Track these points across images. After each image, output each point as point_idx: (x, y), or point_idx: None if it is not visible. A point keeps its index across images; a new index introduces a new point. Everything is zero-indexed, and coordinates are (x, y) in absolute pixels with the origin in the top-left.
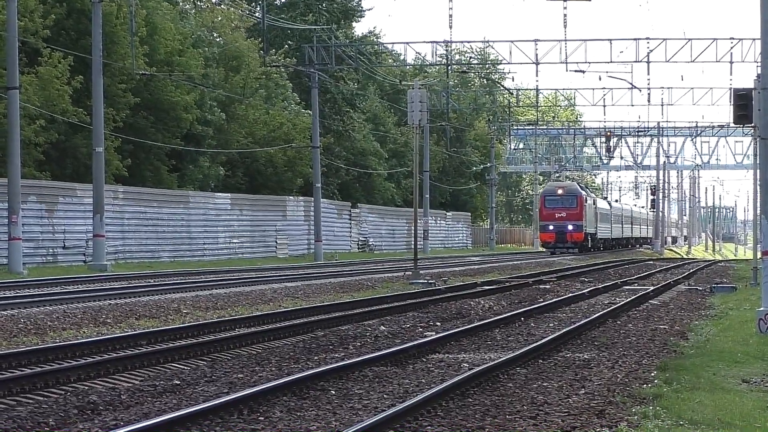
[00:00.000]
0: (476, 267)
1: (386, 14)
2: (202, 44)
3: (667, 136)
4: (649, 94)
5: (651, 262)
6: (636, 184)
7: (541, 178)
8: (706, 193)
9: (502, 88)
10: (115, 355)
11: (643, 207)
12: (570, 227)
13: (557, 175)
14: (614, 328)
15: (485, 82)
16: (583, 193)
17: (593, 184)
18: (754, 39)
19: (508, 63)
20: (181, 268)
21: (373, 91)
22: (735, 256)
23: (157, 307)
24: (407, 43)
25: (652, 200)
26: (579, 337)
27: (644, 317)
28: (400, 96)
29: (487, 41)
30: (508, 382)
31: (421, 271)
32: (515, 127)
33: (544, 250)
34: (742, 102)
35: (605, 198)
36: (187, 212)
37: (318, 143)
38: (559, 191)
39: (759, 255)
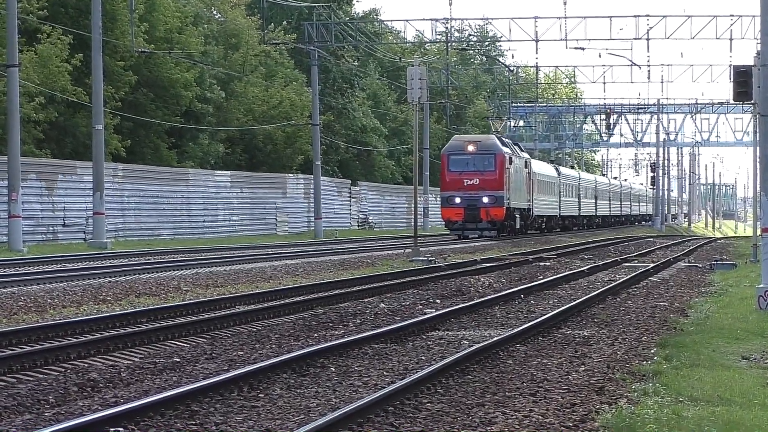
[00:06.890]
0: (476, 244)
1: None
2: (201, 21)
3: (667, 113)
4: (648, 71)
5: (651, 240)
6: (636, 162)
7: (541, 155)
8: (706, 170)
9: (501, 64)
10: (114, 332)
11: (616, 178)
12: (485, 199)
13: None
14: (614, 305)
15: (485, 59)
16: (506, 150)
17: (593, 161)
18: (753, 16)
19: (508, 40)
20: (181, 246)
21: (372, 69)
22: (735, 233)
23: (156, 284)
24: (407, 20)
25: (652, 177)
26: (579, 314)
27: (644, 294)
28: (399, 73)
29: (487, 18)
30: (508, 359)
31: (421, 249)
32: (515, 105)
33: (449, 232)
34: (742, 79)
35: (552, 162)
36: (186, 190)
37: (318, 121)
38: (470, 147)
39: (759, 232)
